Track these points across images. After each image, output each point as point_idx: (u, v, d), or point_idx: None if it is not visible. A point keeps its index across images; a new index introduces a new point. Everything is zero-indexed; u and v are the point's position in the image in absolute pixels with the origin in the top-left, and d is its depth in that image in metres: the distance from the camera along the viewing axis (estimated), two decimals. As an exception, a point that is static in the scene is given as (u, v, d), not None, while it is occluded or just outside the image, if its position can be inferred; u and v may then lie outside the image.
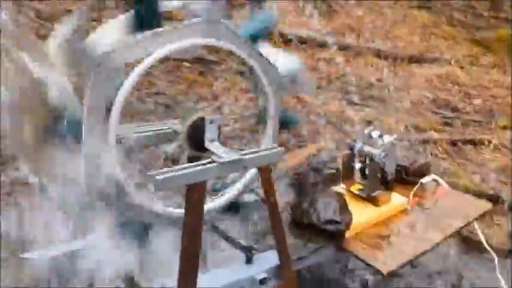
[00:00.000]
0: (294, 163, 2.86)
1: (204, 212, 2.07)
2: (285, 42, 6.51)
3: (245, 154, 1.97)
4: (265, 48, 2.24)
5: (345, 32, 7.54)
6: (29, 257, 2.04)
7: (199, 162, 1.89)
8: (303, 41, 6.75)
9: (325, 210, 2.40)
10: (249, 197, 2.50)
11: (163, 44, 1.87)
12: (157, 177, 1.74)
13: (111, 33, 2.01)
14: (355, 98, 5.70)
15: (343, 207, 2.46)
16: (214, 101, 4.97)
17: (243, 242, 2.32)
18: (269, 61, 2.15)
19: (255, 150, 2.05)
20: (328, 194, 2.51)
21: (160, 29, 1.88)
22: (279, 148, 2.08)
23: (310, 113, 5.01)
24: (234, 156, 1.91)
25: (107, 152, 1.84)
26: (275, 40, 6.08)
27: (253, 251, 2.27)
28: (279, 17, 7.74)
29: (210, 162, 1.89)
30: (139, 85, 5.11)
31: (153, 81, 5.27)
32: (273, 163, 2.12)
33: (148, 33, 1.85)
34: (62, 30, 1.94)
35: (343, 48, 6.86)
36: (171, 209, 2.08)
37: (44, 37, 2.01)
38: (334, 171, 2.79)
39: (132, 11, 2.01)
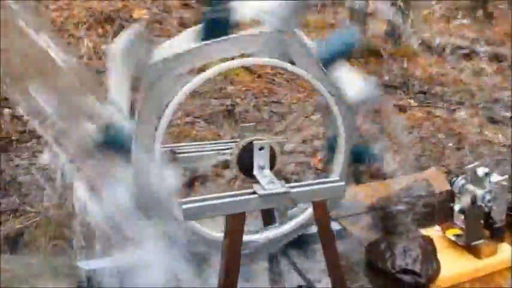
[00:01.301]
0: (382, 195, 2.49)
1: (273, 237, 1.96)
2: (426, 51, 5.98)
3: (294, 187, 1.73)
4: (343, 70, 1.98)
5: (501, 39, 6.67)
6: (83, 267, 2.05)
7: (238, 192, 1.70)
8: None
9: (403, 256, 2.04)
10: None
11: (226, 51, 1.78)
12: (184, 206, 1.59)
13: (179, 43, 1.93)
14: (500, 116, 4.95)
15: (429, 256, 2.06)
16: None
17: (308, 276, 2.10)
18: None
19: (308, 182, 1.80)
20: (411, 237, 2.12)
21: (224, 37, 1.77)
22: (339, 182, 1.79)
23: (438, 130, 4.46)
24: (279, 188, 1.68)
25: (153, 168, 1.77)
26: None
27: None
28: (425, 23, 7.17)
29: (251, 193, 1.70)
30: (259, 93, 5.07)
31: (274, 89, 5.18)
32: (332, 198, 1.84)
33: (210, 41, 1.76)
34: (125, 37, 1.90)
35: (495, 58, 6.06)
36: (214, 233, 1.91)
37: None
38: (430, 209, 2.38)
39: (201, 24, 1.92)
